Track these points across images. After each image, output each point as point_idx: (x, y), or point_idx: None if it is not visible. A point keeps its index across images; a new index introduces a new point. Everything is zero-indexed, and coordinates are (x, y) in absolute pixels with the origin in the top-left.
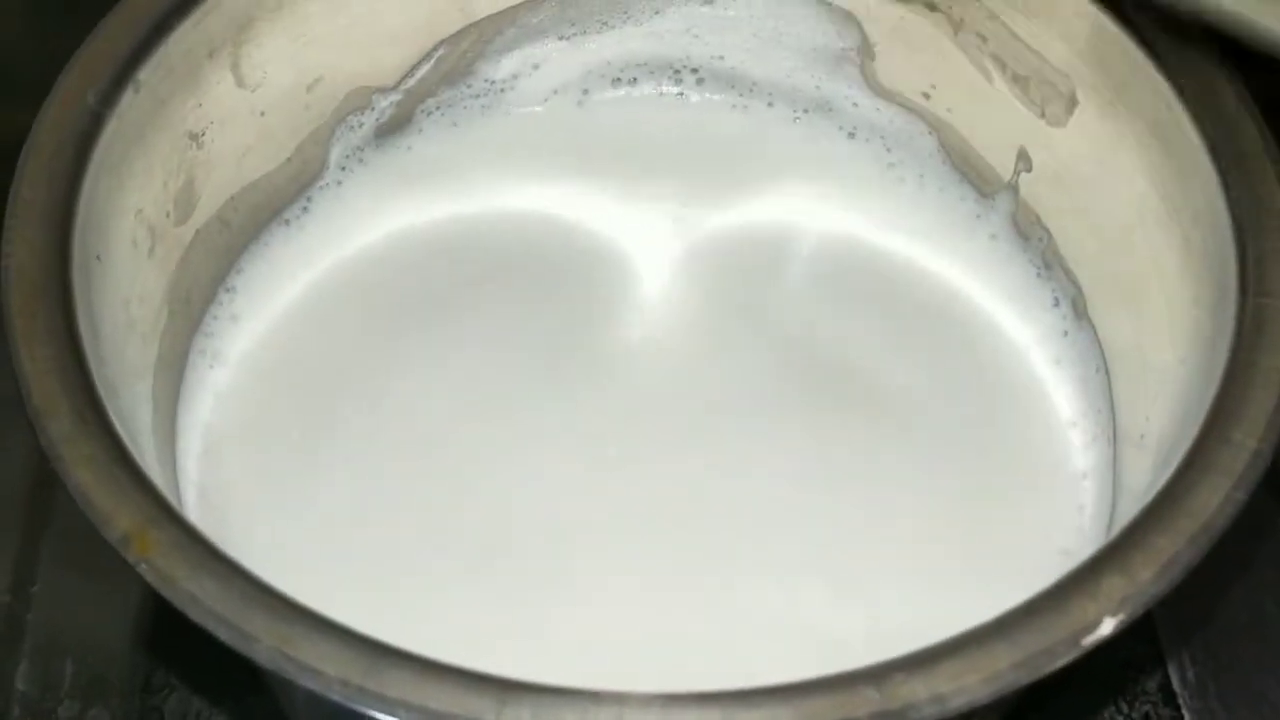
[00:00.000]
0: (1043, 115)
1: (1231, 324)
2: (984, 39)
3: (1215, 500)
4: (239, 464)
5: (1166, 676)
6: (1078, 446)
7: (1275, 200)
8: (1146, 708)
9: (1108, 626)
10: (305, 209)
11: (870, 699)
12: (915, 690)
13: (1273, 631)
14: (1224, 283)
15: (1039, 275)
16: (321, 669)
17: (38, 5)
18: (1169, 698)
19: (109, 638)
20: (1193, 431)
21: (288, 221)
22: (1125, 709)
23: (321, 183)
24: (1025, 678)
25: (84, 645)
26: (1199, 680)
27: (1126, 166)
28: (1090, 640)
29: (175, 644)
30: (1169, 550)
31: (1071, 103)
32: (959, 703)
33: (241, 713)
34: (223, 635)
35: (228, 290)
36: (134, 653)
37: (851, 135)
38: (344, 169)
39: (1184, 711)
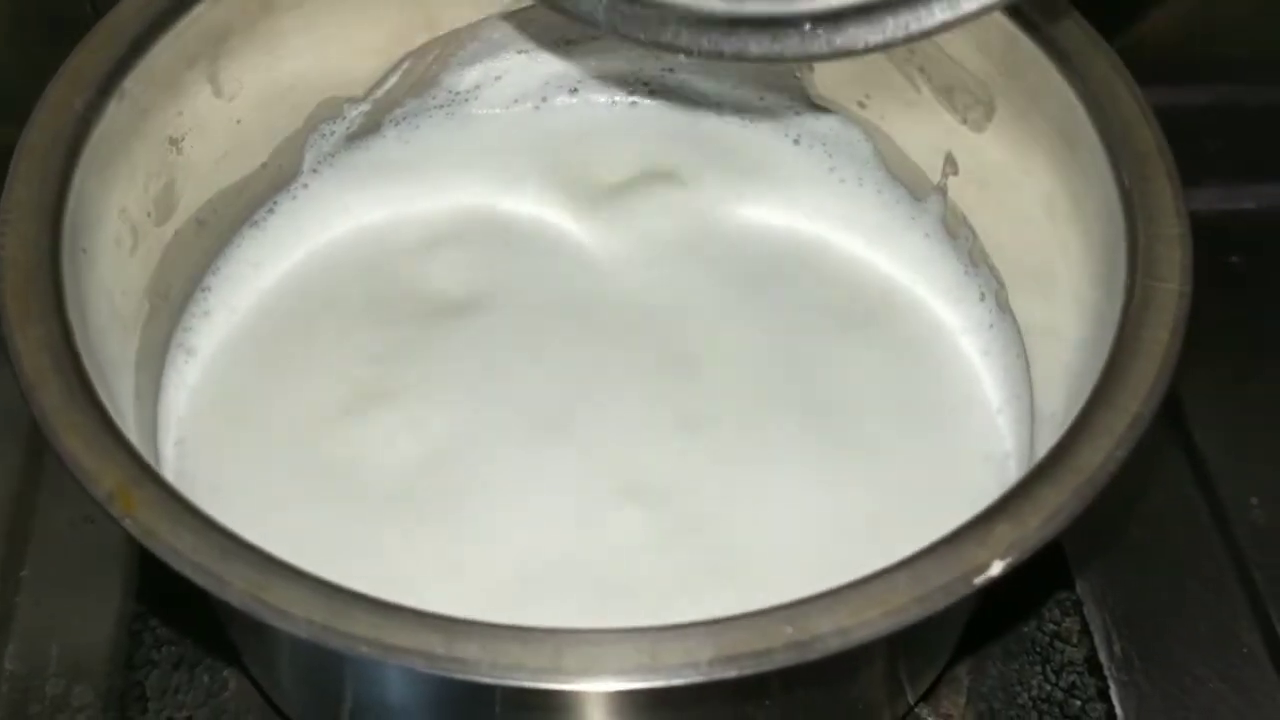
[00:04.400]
0: (965, 121)
1: (1121, 303)
2: (911, 51)
3: (1098, 458)
4: (213, 452)
5: (1093, 649)
6: (1004, 430)
7: (1165, 195)
8: (1073, 677)
9: (997, 567)
10: (272, 210)
11: (784, 632)
12: (823, 623)
13: (1195, 609)
14: (1118, 268)
15: (967, 272)
16: (289, 610)
17: (20, 24)
18: (1095, 668)
19: (93, 619)
20: (1084, 399)
21: (255, 223)
22: (1053, 678)
23: (289, 186)
24: (923, 612)
25: (69, 627)
26: (1124, 653)
27: (1038, 167)
28: (981, 579)
29: (157, 624)
30: (1055, 501)
31: (990, 109)
32: (862, 634)
33: (218, 686)
34: (200, 581)
35: (203, 289)
36: (117, 633)
37: (796, 142)
38: (314, 172)
39: (1109, 682)
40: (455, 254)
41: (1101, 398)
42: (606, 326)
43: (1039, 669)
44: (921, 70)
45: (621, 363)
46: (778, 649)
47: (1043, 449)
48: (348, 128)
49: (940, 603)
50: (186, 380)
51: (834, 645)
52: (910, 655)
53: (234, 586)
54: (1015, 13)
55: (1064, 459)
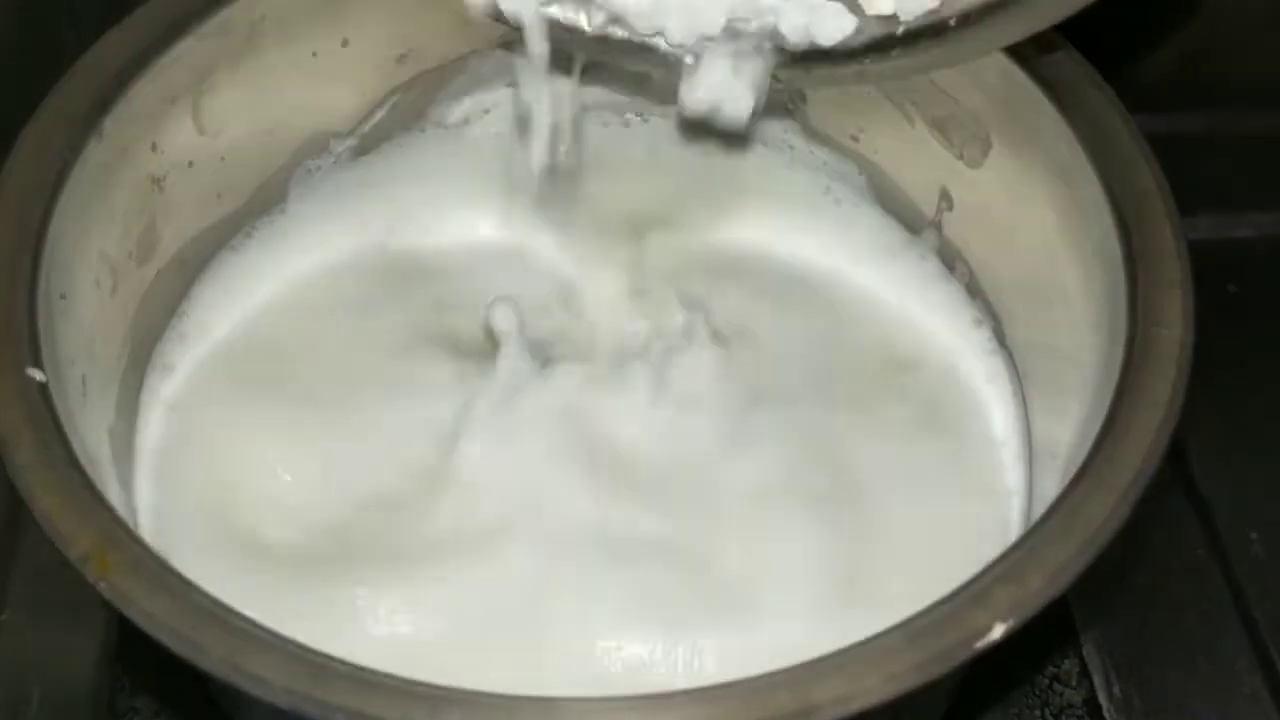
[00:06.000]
0: (961, 157)
1: (1123, 349)
2: (906, 86)
3: (1101, 514)
4: (187, 485)
5: (1092, 691)
6: (1008, 464)
7: (1166, 235)
8: None
9: (998, 631)
10: (249, 235)
11: (781, 700)
12: (821, 692)
13: (1195, 649)
14: (1117, 312)
15: (964, 301)
16: (268, 678)
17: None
18: (1094, 710)
19: (74, 664)
20: (1086, 450)
21: (234, 248)
22: None
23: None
24: (922, 679)
25: (50, 671)
26: (1124, 694)
27: (1036, 205)
28: (982, 644)
29: (139, 669)
30: (1057, 560)
31: (986, 145)
32: (861, 703)
33: None
34: (176, 648)
35: (179, 315)
36: (98, 678)
37: (790, 166)
38: (300, 200)
39: None
40: (439, 281)
41: (1103, 451)
42: (596, 358)
43: (1038, 712)
44: (915, 105)
45: (611, 396)
46: (774, 719)
47: (1043, 485)
48: (334, 162)
49: (941, 668)
50: (161, 415)
51: (832, 714)
52: (910, 711)
53: (212, 654)
54: (1011, 50)
55: (1066, 515)
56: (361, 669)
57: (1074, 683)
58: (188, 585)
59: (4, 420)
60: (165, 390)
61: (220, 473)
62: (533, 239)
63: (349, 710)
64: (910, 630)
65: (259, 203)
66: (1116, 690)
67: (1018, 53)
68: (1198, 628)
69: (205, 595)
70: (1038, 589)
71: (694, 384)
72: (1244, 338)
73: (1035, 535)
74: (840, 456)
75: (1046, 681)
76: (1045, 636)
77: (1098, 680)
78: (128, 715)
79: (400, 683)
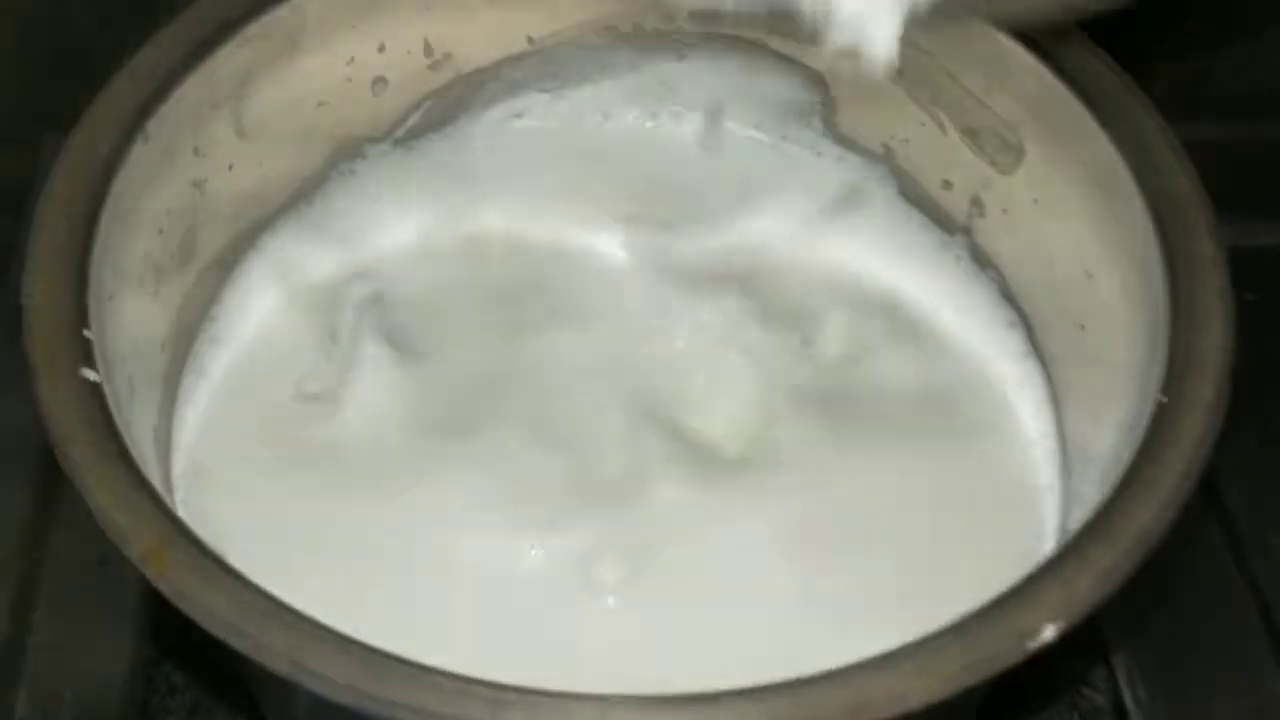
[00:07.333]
0: (993, 164)
1: (1164, 357)
2: (938, 92)
3: (1147, 517)
4: (221, 485)
5: (1119, 694)
6: (1040, 462)
7: (1205, 245)
8: None
9: (1050, 632)
10: (284, 237)
11: (835, 699)
12: (876, 690)
13: (1218, 651)
14: (1157, 320)
15: (997, 304)
16: (330, 675)
17: (25, 55)
18: (1121, 714)
19: (107, 663)
20: (1130, 454)
21: (268, 251)
22: None
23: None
24: (975, 678)
25: (82, 671)
26: (1151, 699)
27: (1071, 213)
28: (1034, 645)
29: (171, 670)
30: (1106, 563)
31: (1020, 153)
32: (916, 701)
33: None
34: (237, 645)
35: (211, 318)
36: (131, 678)
37: (818, 170)
38: (334, 203)
39: None
40: (474, 277)
41: (1148, 455)
42: (639, 369)
43: (1065, 716)
44: (947, 112)
45: (656, 410)
46: (829, 717)
47: (1081, 490)
48: (368, 165)
49: (993, 668)
50: (195, 414)
51: (884, 713)
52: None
53: (273, 651)
54: (1046, 56)
55: (1113, 517)
56: (423, 665)
57: (1101, 687)
58: (246, 582)
59: (59, 420)
60: (200, 391)
61: (254, 473)
62: (569, 236)
63: (411, 707)
64: (962, 631)
65: (294, 206)
66: (1142, 694)
67: (1054, 59)
68: (1222, 632)
69: (265, 593)
70: (1088, 591)
71: (722, 388)
72: (1262, 345)
73: (1084, 538)
74: (869, 458)
75: (1074, 686)
76: (1073, 641)
77: (1124, 684)
78: (161, 717)
79: (461, 679)
